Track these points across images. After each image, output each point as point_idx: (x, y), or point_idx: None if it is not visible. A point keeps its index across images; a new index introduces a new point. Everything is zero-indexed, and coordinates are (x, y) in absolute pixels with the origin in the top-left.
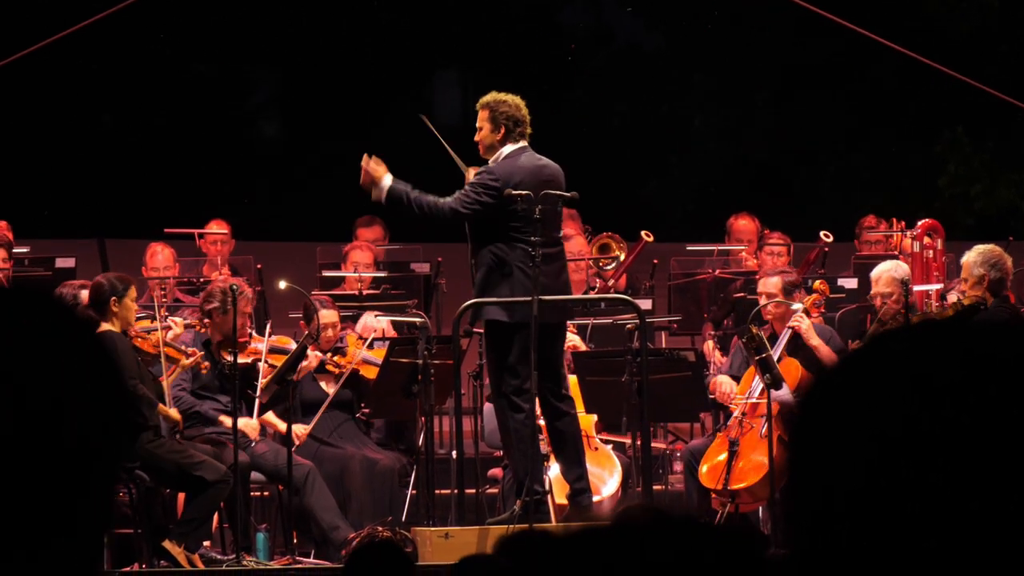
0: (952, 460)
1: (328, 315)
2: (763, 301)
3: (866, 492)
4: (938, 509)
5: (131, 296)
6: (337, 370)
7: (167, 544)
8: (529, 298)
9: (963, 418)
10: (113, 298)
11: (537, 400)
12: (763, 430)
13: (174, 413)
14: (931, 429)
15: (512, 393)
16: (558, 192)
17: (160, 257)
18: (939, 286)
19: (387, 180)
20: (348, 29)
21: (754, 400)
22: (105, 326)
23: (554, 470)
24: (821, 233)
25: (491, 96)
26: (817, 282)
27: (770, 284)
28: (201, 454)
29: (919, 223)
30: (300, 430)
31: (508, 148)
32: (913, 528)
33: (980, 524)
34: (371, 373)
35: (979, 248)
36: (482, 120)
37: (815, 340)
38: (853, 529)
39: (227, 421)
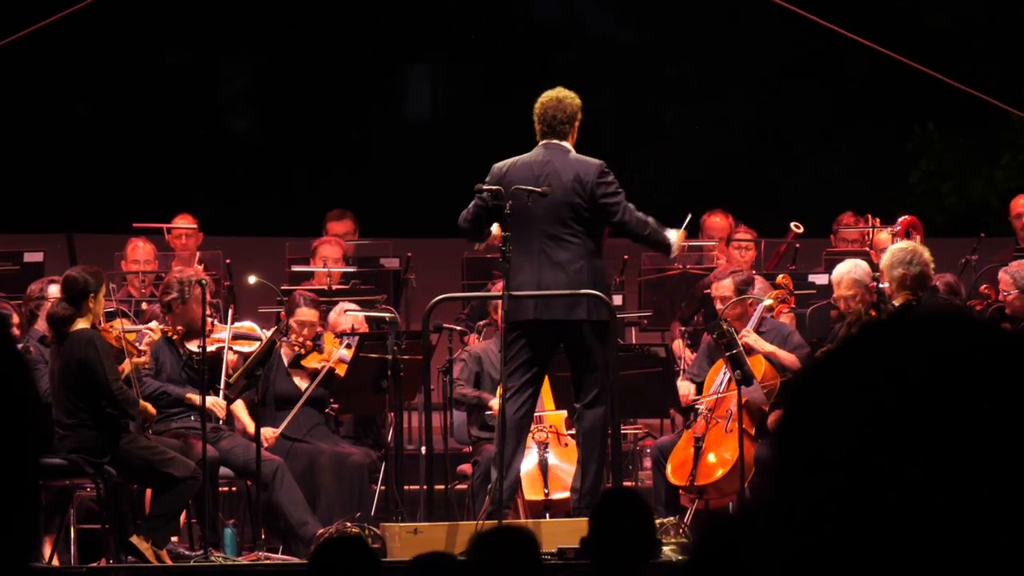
0: (930, 456)
1: (307, 313)
2: (718, 305)
3: (849, 491)
4: (922, 506)
5: (103, 292)
6: (312, 367)
7: (135, 540)
8: (506, 294)
9: (932, 413)
10: (90, 294)
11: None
12: (728, 425)
13: (150, 408)
14: (908, 426)
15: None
16: (528, 188)
17: (140, 251)
18: None
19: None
20: (319, 23)
21: (719, 396)
22: (80, 323)
23: (523, 466)
24: (792, 224)
25: None
26: (780, 277)
27: (723, 287)
28: (171, 451)
29: (899, 220)
30: (269, 433)
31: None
32: (901, 526)
33: (963, 520)
34: (345, 371)
35: (891, 248)
36: None
37: (768, 348)
38: (838, 527)
39: (195, 398)
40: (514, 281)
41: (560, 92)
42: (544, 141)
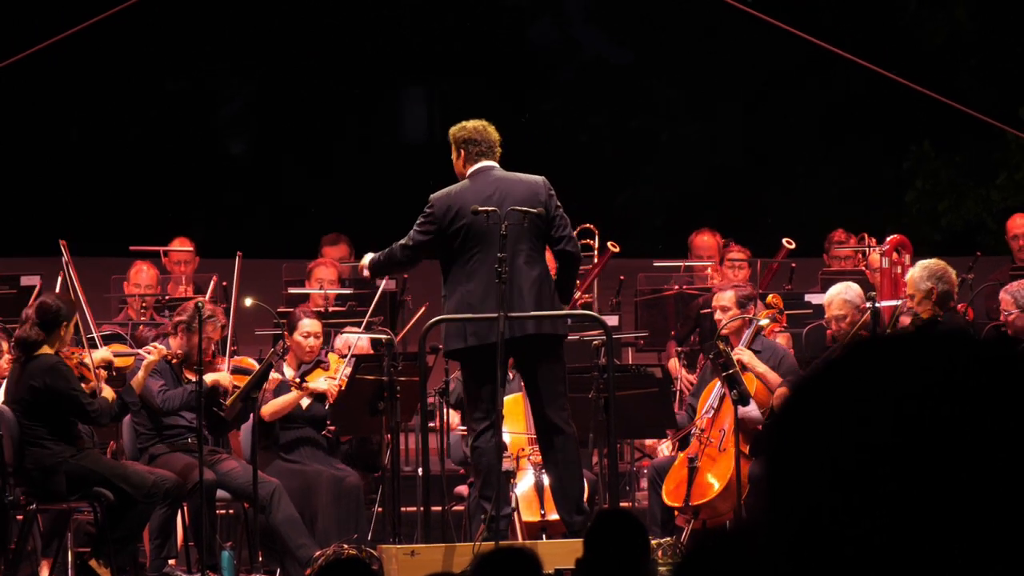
0: (930, 472)
1: (311, 324)
2: (718, 316)
3: (844, 507)
4: (920, 523)
5: (74, 321)
6: (301, 391)
7: (93, 564)
8: (495, 315)
9: (934, 428)
10: (63, 323)
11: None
12: (720, 444)
13: (108, 385)
14: (904, 441)
15: (472, 421)
16: (523, 208)
17: (144, 275)
18: (900, 302)
19: (366, 259)
20: (314, 47)
21: (711, 415)
22: (45, 349)
23: (520, 487)
24: (784, 240)
25: (453, 127)
26: (770, 297)
27: (724, 298)
28: (128, 465)
29: (888, 239)
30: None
31: (469, 170)
32: (897, 541)
33: (962, 535)
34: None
35: (923, 263)
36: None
37: (761, 368)
38: (833, 540)
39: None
40: (485, 303)
41: (479, 120)
42: (482, 163)
